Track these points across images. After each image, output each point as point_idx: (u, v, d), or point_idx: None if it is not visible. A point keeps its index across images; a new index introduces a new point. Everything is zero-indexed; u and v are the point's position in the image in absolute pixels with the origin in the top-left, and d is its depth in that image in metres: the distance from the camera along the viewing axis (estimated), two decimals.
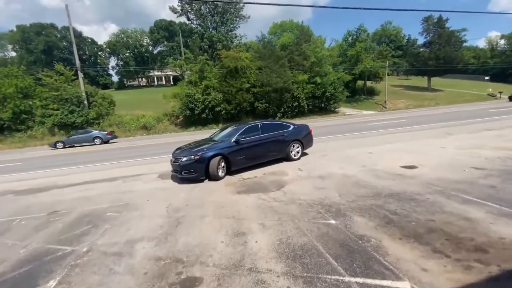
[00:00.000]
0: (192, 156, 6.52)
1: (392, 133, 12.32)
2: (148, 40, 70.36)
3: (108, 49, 69.65)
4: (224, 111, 27.53)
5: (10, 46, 64.40)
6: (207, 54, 32.67)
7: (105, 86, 67.16)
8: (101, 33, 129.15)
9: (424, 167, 6.22)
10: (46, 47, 59.37)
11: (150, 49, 71.21)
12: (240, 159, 7.01)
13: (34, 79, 28.99)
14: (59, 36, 64.80)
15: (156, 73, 76.42)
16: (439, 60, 46.54)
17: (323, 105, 32.91)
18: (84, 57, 69.63)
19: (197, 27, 34.29)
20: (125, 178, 7.57)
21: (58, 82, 26.61)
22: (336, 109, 33.75)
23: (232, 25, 33.15)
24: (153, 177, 7.41)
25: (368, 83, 45.50)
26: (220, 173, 6.70)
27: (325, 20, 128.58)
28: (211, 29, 32.83)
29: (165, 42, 66.73)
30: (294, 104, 29.86)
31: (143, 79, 78.95)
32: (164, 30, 66.69)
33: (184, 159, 6.55)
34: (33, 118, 26.74)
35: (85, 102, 27.03)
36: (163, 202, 5.17)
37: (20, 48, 59.80)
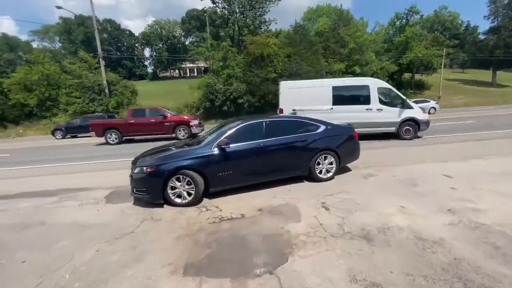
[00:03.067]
0: (144, 168, 4.02)
1: (471, 140, 8.45)
2: (180, 31, 70.15)
3: (143, 40, 70.98)
4: (247, 104, 24.81)
5: (57, 38, 68.35)
6: (231, 40, 30.02)
7: (141, 77, 68.87)
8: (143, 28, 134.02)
9: None
10: (85, 38, 61.89)
11: (182, 40, 71.03)
12: (224, 176, 4.30)
13: (62, 67, 29.06)
14: (99, 28, 67.48)
15: (189, 64, 76.54)
16: (510, 49, 38.45)
17: None
18: (122, 48, 71.94)
19: (222, 11, 31.66)
20: (65, 193, 5.21)
21: (81, 69, 26.13)
22: None
23: (261, 9, 29.99)
24: (99, 196, 4.93)
25: (417, 76, 39.28)
26: (180, 198, 4.15)
27: (367, 6, 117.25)
28: (237, 14, 30.06)
29: (197, 32, 65.81)
30: None
31: (176, 70, 79.65)
32: (195, 20, 65.72)
33: (136, 170, 4.16)
34: (57, 105, 26.77)
35: (106, 90, 26.23)
36: (37, 273, 2.59)
37: (63, 39, 63.17)
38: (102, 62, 26.40)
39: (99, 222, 3.82)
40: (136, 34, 73.03)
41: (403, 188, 4.38)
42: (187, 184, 4.10)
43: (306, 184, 4.86)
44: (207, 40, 30.44)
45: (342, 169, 5.61)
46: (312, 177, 4.92)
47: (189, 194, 4.13)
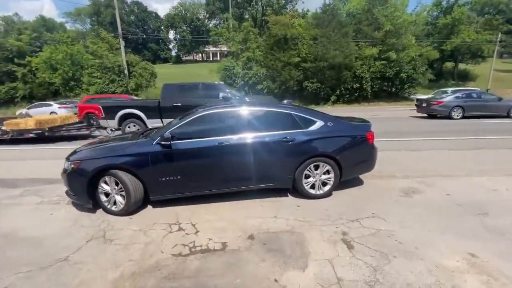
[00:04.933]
0: (70, 163, 3.26)
1: None
2: (204, 13, 68.73)
3: (167, 22, 70.62)
4: (266, 90, 23.36)
5: (88, 20, 69.68)
6: (253, 21, 28.19)
7: (165, 60, 69.12)
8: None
9: None
10: (113, 19, 62.50)
11: (206, 22, 69.65)
12: (169, 182, 3.26)
13: (86, 48, 29.19)
14: (127, 10, 68.30)
15: (212, 48, 75.53)
16: None
17: (394, 89, 25.78)
18: (148, 31, 72.27)
19: None
20: (36, 185, 4.42)
21: (102, 49, 25.98)
22: (412, 96, 26.17)
23: None
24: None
25: (461, 66, 34.94)
26: (111, 203, 3.26)
27: None
28: None
29: (220, 14, 63.99)
30: (354, 86, 23.76)
31: (199, 54, 78.99)
32: (219, 1, 63.73)
33: (65, 165, 3.35)
34: (80, 85, 27.10)
35: (126, 71, 25.98)
36: None
37: (93, 21, 64.36)
38: (122, 42, 26.05)
39: (40, 234, 2.89)
40: (162, 16, 72.82)
41: (468, 219, 2.97)
42: (120, 189, 3.18)
43: (320, 200, 3.59)
44: (228, 21, 28.90)
45: (368, 177, 4.26)
46: (299, 191, 3.58)
47: (121, 202, 3.21)
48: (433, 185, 3.95)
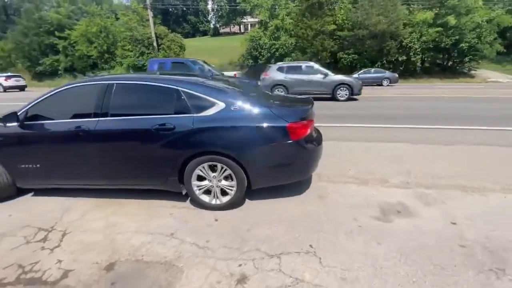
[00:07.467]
0: None
1: None
2: None
3: None
4: None
5: None
6: None
7: (204, 33, 68.69)
8: None
9: None
10: None
11: None
12: (29, 170, 2.71)
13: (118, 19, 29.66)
14: None
15: (250, 19, 72.44)
16: None
17: (450, 62, 21.53)
18: (188, 1, 71.71)
19: None
20: None
21: (132, 21, 26.16)
22: (472, 71, 21.69)
23: None
24: None
25: None
26: None
27: None
28: None
29: None
30: (399, 59, 20.39)
31: (237, 26, 76.66)
32: None
33: None
34: (115, 58, 28.08)
35: (154, 44, 25.99)
36: None
37: None
38: (150, 13, 25.80)
39: None
40: None
41: (465, 279, 1.73)
42: None
43: (251, 213, 2.59)
44: None
45: (346, 179, 3.06)
46: (192, 198, 2.67)
47: None
48: (439, 203, 2.62)
